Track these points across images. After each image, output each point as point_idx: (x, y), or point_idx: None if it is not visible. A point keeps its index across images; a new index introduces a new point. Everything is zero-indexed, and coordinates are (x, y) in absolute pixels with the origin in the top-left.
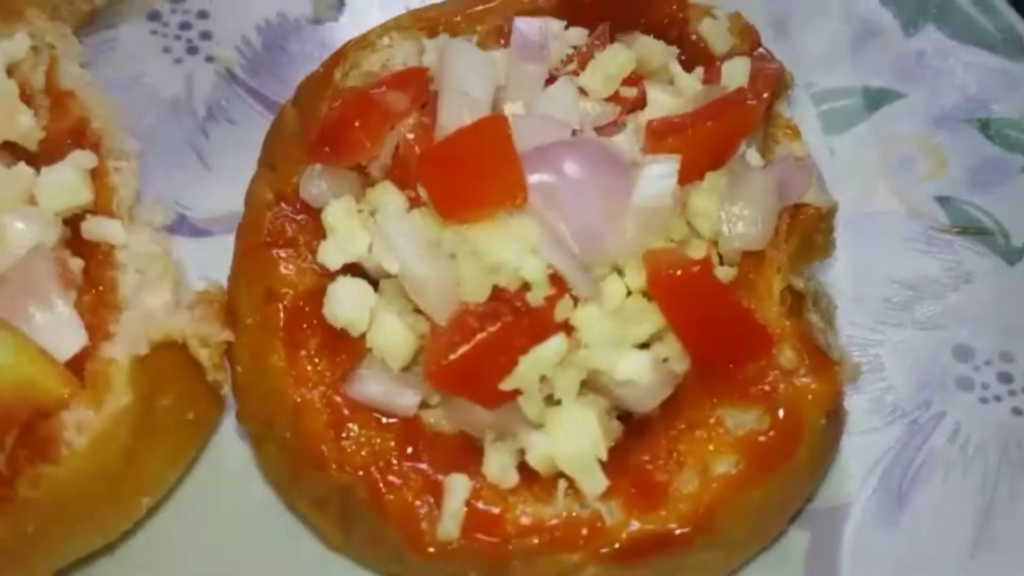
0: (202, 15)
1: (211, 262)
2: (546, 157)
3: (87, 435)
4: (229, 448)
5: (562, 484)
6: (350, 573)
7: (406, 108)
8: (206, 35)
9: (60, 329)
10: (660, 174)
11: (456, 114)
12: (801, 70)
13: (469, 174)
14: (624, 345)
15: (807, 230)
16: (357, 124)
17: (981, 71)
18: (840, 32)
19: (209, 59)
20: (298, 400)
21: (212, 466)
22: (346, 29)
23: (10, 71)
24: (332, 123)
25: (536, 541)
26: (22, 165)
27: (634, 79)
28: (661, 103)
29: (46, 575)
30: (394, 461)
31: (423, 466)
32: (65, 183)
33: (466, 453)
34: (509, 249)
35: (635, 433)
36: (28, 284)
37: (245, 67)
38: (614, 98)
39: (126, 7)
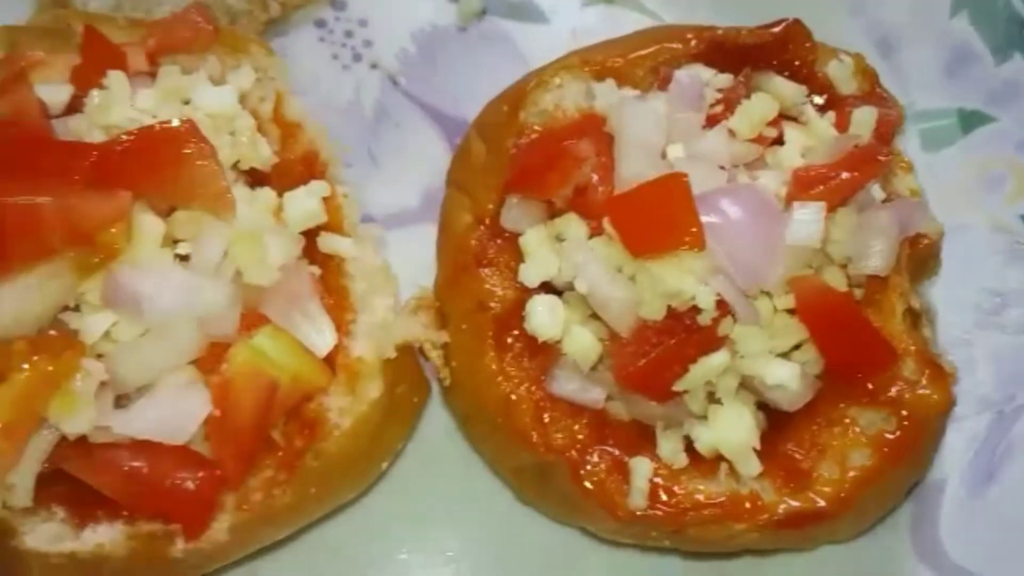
0: (362, 23)
1: (388, 253)
2: (711, 202)
3: (349, 418)
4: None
5: (723, 466)
6: (537, 521)
7: (591, 154)
8: (368, 43)
9: (317, 330)
10: (809, 219)
11: (636, 165)
12: (902, 90)
13: (657, 222)
14: (772, 355)
15: (922, 257)
16: (553, 169)
17: None
18: (937, 56)
19: (373, 66)
20: (509, 394)
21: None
22: (488, 37)
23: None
24: (529, 165)
25: (708, 512)
26: (267, 189)
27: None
28: (798, 141)
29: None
30: (587, 445)
31: (610, 448)
32: (307, 207)
33: (641, 437)
34: (685, 281)
35: (775, 425)
36: (291, 293)
37: (405, 73)
38: (756, 138)
39: (296, 16)
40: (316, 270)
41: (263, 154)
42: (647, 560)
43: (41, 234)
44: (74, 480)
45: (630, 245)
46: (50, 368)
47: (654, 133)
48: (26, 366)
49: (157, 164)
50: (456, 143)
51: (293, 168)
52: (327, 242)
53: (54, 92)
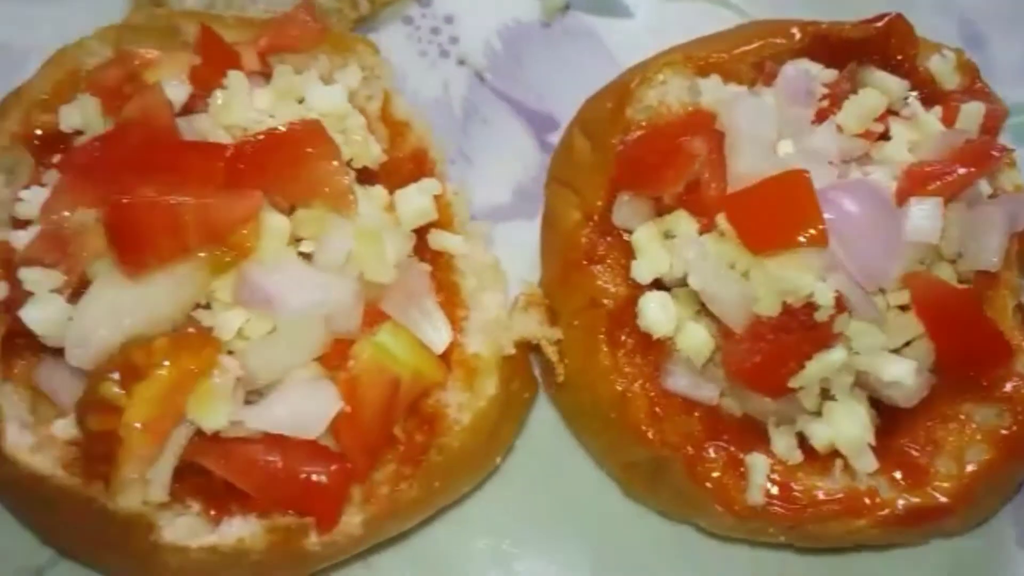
0: (448, 20)
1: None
2: (828, 198)
3: (468, 414)
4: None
5: (838, 463)
6: (644, 516)
7: (703, 150)
8: (454, 39)
9: (434, 327)
10: (928, 214)
11: (750, 161)
12: (994, 83)
13: (778, 219)
14: (887, 351)
15: None
16: (668, 166)
17: None
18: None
19: (460, 62)
20: (623, 391)
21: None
22: (571, 32)
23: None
24: (641, 162)
25: (827, 509)
26: (379, 187)
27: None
28: (904, 136)
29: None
30: (702, 441)
31: (724, 444)
32: (420, 205)
33: (753, 433)
34: (804, 277)
35: (887, 421)
36: (408, 290)
37: (491, 70)
38: (863, 133)
39: (385, 13)
40: (428, 267)
41: (374, 152)
42: (756, 554)
43: (181, 233)
44: (204, 474)
45: (749, 241)
46: (191, 366)
47: (767, 128)
48: (167, 363)
49: (286, 163)
50: (543, 138)
51: (402, 166)
52: (438, 239)
53: (174, 91)
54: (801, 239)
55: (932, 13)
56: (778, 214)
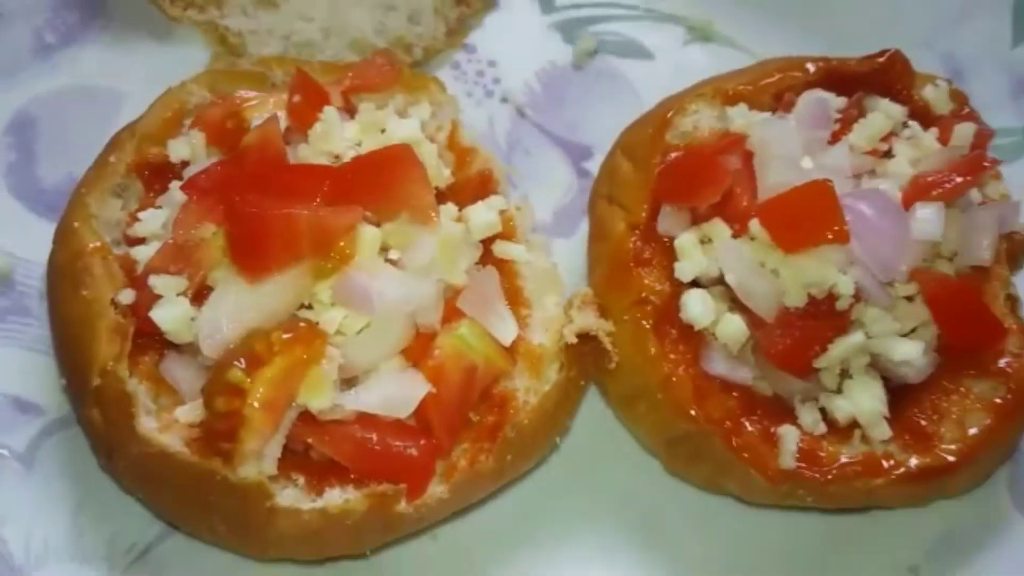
0: (491, 64)
1: None
2: (847, 203)
3: (535, 396)
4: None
5: (857, 432)
6: (680, 488)
7: (736, 166)
8: (496, 80)
9: (503, 322)
10: (932, 216)
11: (779, 174)
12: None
13: (806, 221)
14: (897, 335)
15: (1016, 251)
16: (707, 181)
17: None
18: (1002, 82)
19: (503, 100)
20: (669, 374)
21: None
22: (600, 73)
23: None
24: (682, 178)
25: (850, 469)
26: (449, 204)
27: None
28: (905, 153)
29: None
30: (739, 417)
31: (758, 419)
32: (487, 218)
33: (782, 410)
34: (828, 271)
35: (897, 397)
36: (481, 292)
37: (530, 106)
38: (871, 151)
39: (436, 59)
40: (496, 271)
41: (444, 175)
42: (786, 517)
43: (295, 242)
44: (303, 455)
45: (780, 242)
46: (303, 355)
47: (791, 146)
48: (284, 352)
49: (381, 182)
50: (579, 165)
51: (468, 186)
52: (502, 248)
53: None
54: (825, 237)
55: (919, 51)
56: (806, 217)
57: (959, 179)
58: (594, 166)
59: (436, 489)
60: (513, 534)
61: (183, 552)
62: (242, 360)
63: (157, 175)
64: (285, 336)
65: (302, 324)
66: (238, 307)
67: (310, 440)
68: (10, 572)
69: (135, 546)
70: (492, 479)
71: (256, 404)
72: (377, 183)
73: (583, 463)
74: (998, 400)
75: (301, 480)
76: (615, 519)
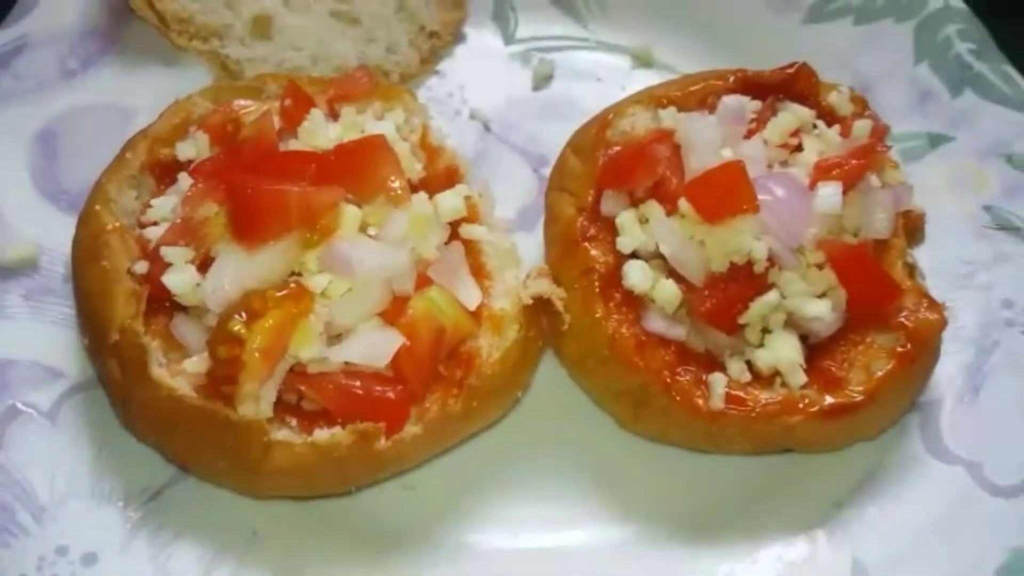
0: (460, 87)
1: None
2: (759, 183)
3: (498, 352)
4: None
5: (778, 380)
6: (632, 441)
7: (665, 155)
8: (464, 100)
9: (467, 290)
10: (831, 192)
11: (701, 160)
12: (884, 118)
13: (724, 196)
14: (810, 296)
15: (912, 228)
16: (641, 167)
17: (1005, 122)
18: (907, 94)
19: (471, 117)
20: (613, 333)
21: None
22: (555, 95)
23: None
24: (620, 167)
25: (771, 408)
26: (422, 193)
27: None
28: (813, 146)
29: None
30: (674, 367)
31: (692, 369)
32: (453, 203)
33: (713, 363)
34: (744, 239)
35: (813, 351)
36: (448, 264)
37: (495, 121)
38: (782, 145)
39: (410, 83)
40: (462, 247)
41: (415, 169)
42: (725, 462)
43: (287, 214)
44: (295, 405)
45: (704, 215)
46: (294, 310)
47: (713, 137)
48: (277, 308)
49: (360, 166)
50: (538, 170)
51: (437, 179)
52: (468, 230)
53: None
54: (740, 208)
55: (833, 69)
56: (723, 193)
57: (855, 162)
58: (550, 171)
59: (412, 429)
60: (482, 484)
61: (191, 493)
62: (242, 314)
63: (167, 172)
64: (279, 294)
65: (293, 284)
66: (238, 271)
67: (302, 387)
68: (35, 509)
69: (148, 489)
70: (460, 422)
71: (254, 351)
72: (356, 167)
73: (543, 421)
74: (899, 348)
75: (294, 422)
76: (574, 469)
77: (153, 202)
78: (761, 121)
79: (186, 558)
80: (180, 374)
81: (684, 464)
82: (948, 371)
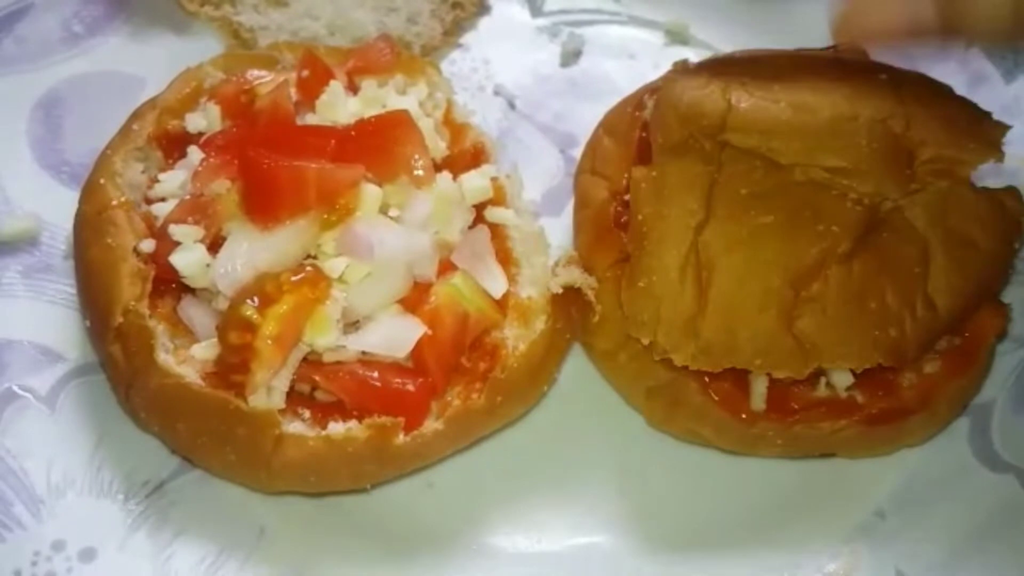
0: (485, 62)
1: None
2: None
3: (524, 344)
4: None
5: (822, 380)
6: (660, 439)
7: None
8: (489, 76)
9: (493, 277)
10: None
11: None
12: None
13: None
14: None
15: None
16: None
17: None
18: (958, 79)
19: (495, 94)
20: None
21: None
22: (585, 71)
23: None
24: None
25: (814, 412)
26: (445, 172)
27: None
28: None
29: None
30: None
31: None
32: (479, 185)
33: None
34: None
35: None
36: (473, 249)
37: (520, 99)
38: None
39: (433, 56)
40: (487, 230)
41: (439, 147)
42: (760, 465)
43: (303, 192)
44: (308, 396)
45: None
46: (310, 296)
47: None
48: (292, 293)
49: (382, 144)
50: (565, 151)
51: (463, 158)
52: (494, 213)
53: None
54: None
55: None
56: None
57: None
58: (578, 152)
59: (432, 424)
60: (504, 483)
61: (195, 487)
62: (254, 298)
63: (176, 145)
64: (294, 278)
65: (309, 268)
66: (251, 252)
67: (316, 377)
68: (32, 501)
69: (149, 482)
70: (483, 417)
71: (267, 338)
72: (378, 144)
73: (569, 418)
74: (955, 349)
75: (307, 415)
76: (599, 469)
77: (161, 177)
78: None
79: (189, 556)
80: (187, 360)
81: (715, 466)
82: (1001, 372)
